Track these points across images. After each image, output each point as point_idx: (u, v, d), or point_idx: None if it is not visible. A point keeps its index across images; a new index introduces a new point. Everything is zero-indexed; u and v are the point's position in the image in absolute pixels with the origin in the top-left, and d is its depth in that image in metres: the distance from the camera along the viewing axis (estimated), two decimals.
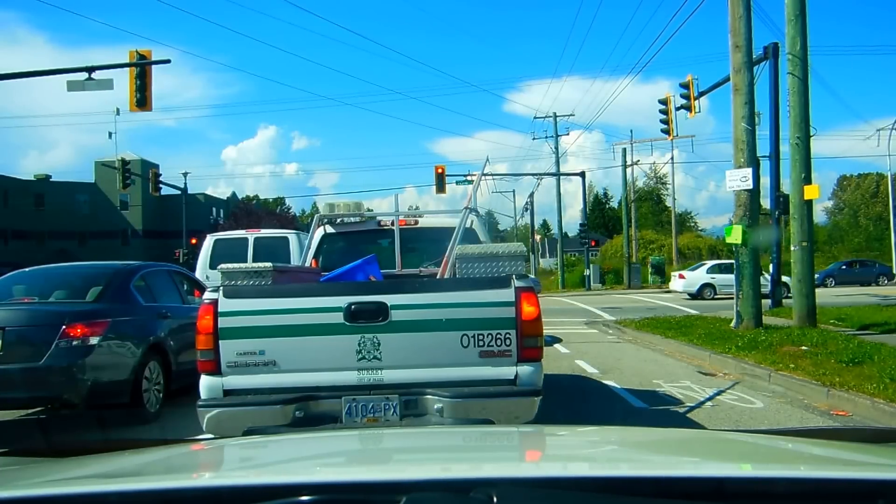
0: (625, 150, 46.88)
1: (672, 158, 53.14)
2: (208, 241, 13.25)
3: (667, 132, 24.00)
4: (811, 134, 12.78)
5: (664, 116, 23.42)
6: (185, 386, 6.83)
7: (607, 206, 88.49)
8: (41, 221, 57.21)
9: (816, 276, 37.69)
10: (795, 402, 7.38)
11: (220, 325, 4.26)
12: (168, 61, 17.62)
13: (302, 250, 8.06)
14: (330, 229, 6.83)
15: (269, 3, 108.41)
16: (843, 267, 38.96)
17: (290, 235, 13.24)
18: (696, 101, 21.09)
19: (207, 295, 4.40)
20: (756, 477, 1.46)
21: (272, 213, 62.79)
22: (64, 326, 6.24)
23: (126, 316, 6.94)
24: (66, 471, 1.69)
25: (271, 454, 2.06)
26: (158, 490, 1.37)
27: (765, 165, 16.76)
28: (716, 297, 26.09)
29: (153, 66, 16.50)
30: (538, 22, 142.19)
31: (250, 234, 13.44)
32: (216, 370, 4.28)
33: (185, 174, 44.63)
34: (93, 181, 59.21)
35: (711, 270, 28.44)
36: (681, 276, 29.31)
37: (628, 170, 47.65)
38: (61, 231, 56.53)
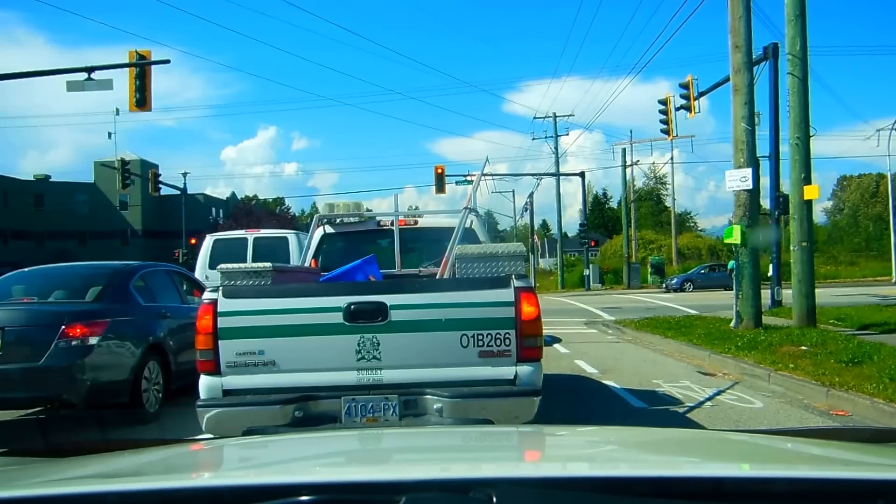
0: (624, 150, 47.02)
1: (672, 158, 53.29)
2: (208, 242, 13.24)
3: (666, 132, 24.01)
4: (811, 134, 12.77)
5: (664, 117, 23.42)
6: (185, 386, 6.83)
7: (607, 207, 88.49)
8: (41, 221, 57.18)
9: (675, 280, 38.82)
10: (795, 402, 7.38)
11: (219, 325, 4.26)
12: (167, 61, 17.64)
13: (301, 250, 8.05)
14: (329, 229, 6.82)
15: (269, 3, 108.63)
16: (703, 271, 39.91)
17: (290, 235, 13.24)
18: (696, 102, 21.08)
19: (207, 295, 4.40)
20: (755, 477, 1.46)
21: (272, 213, 62.79)
22: (63, 326, 6.23)
23: (125, 316, 6.94)
24: (66, 471, 1.69)
25: (271, 454, 2.06)
26: (158, 490, 1.37)
27: (764, 165, 16.77)
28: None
29: (153, 67, 16.49)
30: (538, 22, 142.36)
31: (250, 235, 13.43)
32: (215, 370, 4.27)
33: (184, 174, 44.59)
34: (92, 181, 59.16)
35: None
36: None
37: (628, 170, 47.77)
38: (61, 231, 56.49)
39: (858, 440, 2.10)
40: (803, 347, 9.77)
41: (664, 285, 39.32)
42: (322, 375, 4.25)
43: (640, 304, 25.20)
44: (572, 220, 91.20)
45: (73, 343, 6.25)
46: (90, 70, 16.16)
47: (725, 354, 10.07)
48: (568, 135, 57.31)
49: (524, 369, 4.28)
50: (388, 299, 4.26)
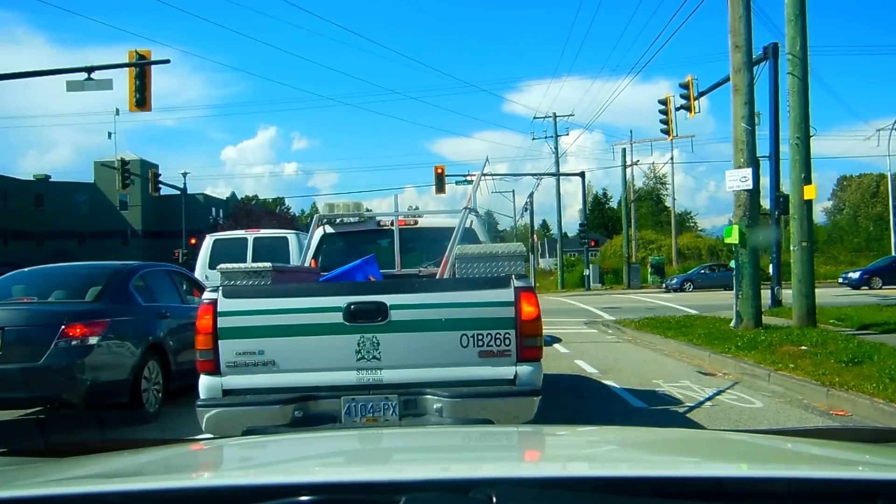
0: (624, 150, 47.01)
1: (672, 158, 53.23)
2: (207, 242, 13.24)
3: (667, 132, 24.01)
4: (811, 134, 12.77)
5: (664, 116, 23.42)
6: (185, 386, 6.83)
7: (607, 206, 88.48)
8: (40, 221, 57.18)
9: (675, 280, 38.82)
10: (795, 401, 7.38)
11: (219, 325, 4.26)
12: (167, 61, 17.64)
13: (301, 250, 8.06)
14: (329, 229, 6.82)
15: (269, 3, 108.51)
16: (703, 271, 39.88)
17: (290, 235, 13.24)
18: (696, 102, 21.09)
19: (207, 295, 4.40)
20: (755, 477, 1.46)
21: (272, 213, 62.80)
22: (63, 326, 6.23)
23: (125, 316, 6.94)
24: (66, 471, 1.69)
25: (271, 454, 2.06)
26: (158, 490, 1.37)
27: (765, 165, 16.77)
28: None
29: (152, 66, 16.49)
30: (538, 22, 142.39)
31: (249, 235, 13.43)
32: (215, 370, 4.27)
33: (184, 174, 44.57)
34: (92, 181, 59.18)
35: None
36: None
37: (628, 170, 47.74)
38: (61, 231, 56.50)
39: (858, 440, 2.10)
40: (803, 347, 9.76)
41: (664, 285, 39.34)
42: (322, 375, 4.25)
43: (640, 304, 25.19)
44: (572, 220, 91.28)
45: (73, 343, 6.25)
46: (90, 70, 16.16)
47: (725, 354, 10.06)
48: (568, 135, 57.38)
49: (524, 369, 4.28)
50: (388, 299, 4.26)
